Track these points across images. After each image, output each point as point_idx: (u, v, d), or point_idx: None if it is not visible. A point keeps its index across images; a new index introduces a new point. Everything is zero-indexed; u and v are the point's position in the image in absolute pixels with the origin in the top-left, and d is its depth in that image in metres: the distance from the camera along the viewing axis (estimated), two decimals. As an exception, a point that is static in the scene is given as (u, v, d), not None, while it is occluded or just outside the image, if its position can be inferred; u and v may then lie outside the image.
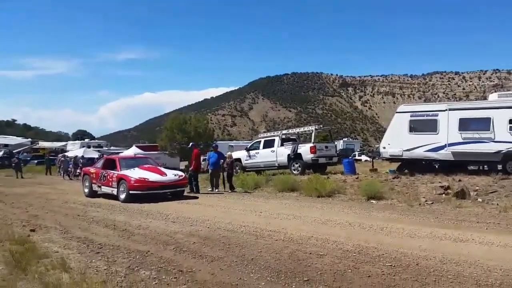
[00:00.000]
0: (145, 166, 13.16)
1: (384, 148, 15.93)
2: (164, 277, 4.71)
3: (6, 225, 8.23)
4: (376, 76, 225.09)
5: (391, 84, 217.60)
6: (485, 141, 13.49)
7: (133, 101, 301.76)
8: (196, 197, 12.78)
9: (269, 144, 18.35)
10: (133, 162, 13.67)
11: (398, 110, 16.36)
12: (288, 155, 17.14)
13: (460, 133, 13.99)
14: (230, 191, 14.25)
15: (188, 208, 10.47)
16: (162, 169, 13.31)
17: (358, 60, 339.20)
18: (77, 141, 50.41)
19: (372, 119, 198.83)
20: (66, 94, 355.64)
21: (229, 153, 16.53)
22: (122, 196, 11.99)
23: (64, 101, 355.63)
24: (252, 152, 18.65)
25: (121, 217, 9.18)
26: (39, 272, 4.77)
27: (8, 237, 6.66)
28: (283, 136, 18.68)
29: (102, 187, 13.15)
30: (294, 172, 16.71)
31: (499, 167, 13.48)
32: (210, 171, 14.74)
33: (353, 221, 7.86)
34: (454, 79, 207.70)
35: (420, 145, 14.82)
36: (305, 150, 16.80)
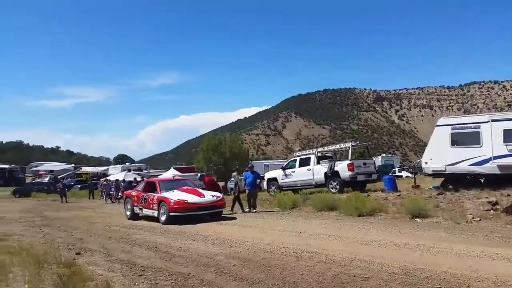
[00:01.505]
0: (183, 188, 13.35)
1: (426, 163, 15.40)
2: (206, 300, 4.70)
3: (53, 248, 8.54)
4: (412, 89, 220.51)
5: (428, 96, 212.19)
6: (534, 153, 12.78)
7: (170, 125, 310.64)
8: (234, 218, 12.79)
9: (305, 162, 18.19)
10: (172, 184, 13.89)
11: (438, 123, 15.83)
12: (325, 173, 16.90)
13: (506, 145, 13.32)
14: (242, 211, 14.41)
15: (227, 229, 10.48)
16: (200, 190, 13.45)
17: (391, 74, 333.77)
18: (118, 165, 52.24)
19: (411, 133, 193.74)
20: (104, 120, 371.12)
21: (234, 173, 16.66)
22: (163, 218, 12.24)
23: (103, 127, 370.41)
24: (288, 171, 18.56)
25: (162, 239, 9.32)
26: (86, 295, 4.89)
27: (56, 261, 6.89)
28: (319, 154, 18.47)
29: (144, 209, 13.47)
30: (332, 190, 16.43)
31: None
32: (247, 191, 14.79)
33: (397, 241, 7.57)
34: (493, 89, 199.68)
35: (463, 159, 14.22)
36: (342, 167, 16.51)
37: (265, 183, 19.65)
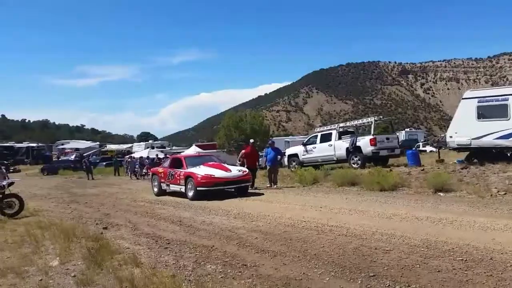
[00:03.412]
0: (209, 163, 13.46)
1: (451, 137, 15.04)
2: (229, 271, 4.85)
3: (81, 223, 8.90)
4: (438, 61, 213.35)
5: (455, 69, 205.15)
6: None
7: (190, 102, 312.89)
8: (257, 194, 12.95)
9: (326, 138, 18.06)
10: (198, 160, 14.04)
11: (464, 96, 15.35)
12: (347, 148, 16.76)
13: (535, 118, 12.85)
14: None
15: (249, 204, 10.64)
16: (227, 165, 13.54)
17: (417, 46, 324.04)
18: (141, 143, 53.25)
19: (436, 107, 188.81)
20: (128, 98, 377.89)
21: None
22: (190, 193, 12.33)
23: (127, 105, 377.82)
24: (309, 147, 18.49)
25: (186, 213, 9.56)
26: (113, 267, 5.10)
27: (84, 235, 7.19)
28: (341, 129, 18.28)
29: (171, 185, 13.59)
30: (353, 165, 16.33)
31: None
32: (268, 167, 14.88)
33: (420, 215, 7.53)
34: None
35: (489, 133, 13.80)
36: (364, 142, 16.34)
37: (286, 159, 19.68)
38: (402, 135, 40.61)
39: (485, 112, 14.15)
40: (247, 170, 13.43)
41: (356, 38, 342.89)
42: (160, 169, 14.71)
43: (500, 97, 13.97)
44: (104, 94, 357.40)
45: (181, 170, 13.12)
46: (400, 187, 11.75)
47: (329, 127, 19.92)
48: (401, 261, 4.80)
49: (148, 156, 30.48)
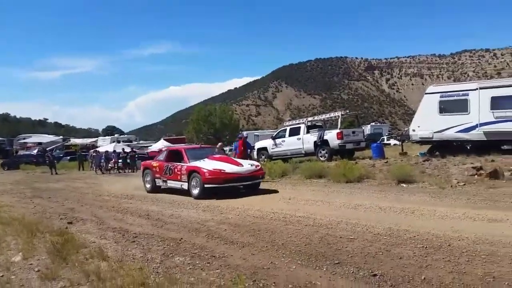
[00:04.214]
0: (215, 156, 11.91)
1: (414, 130, 15.59)
2: (198, 262, 4.86)
3: (45, 218, 8.62)
4: (403, 57, 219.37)
5: (419, 65, 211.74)
6: (520, 119, 12.98)
7: (159, 95, 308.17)
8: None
9: (295, 131, 18.29)
10: (201, 152, 12.34)
11: (427, 91, 15.92)
12: (315, 142, 17.06)
13: (492, 112, 13.49)
14: None
15: (217, 197, 10.59)
16: (237, 159, 12.43)
17: (383, 42, 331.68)
18: (107, 137, 51.92)
19: (400, 101, 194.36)
20: (94, 91, 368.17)
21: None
22: (195, 191, 10.66)
23: (93, 98, 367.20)
24: (278, 141, 18.66)
25: (153, 207, 9.44)
26: (79, 261, 5.00)
27: (48, 229, 6.97)
28: (309, 123, 18.56)
29: (168, 181, 11.94)
30: (321, 158, 16.64)
31: (536, 146, 12.96)
32: None
33: (383, 205, 7.79)
34: (484, 57, 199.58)
35: (450, 126, 14.42)
36: (331, 136, 16.66)
37: (255, 153, 19.78)
38: (367, 129, 41.65)
39: (446, 107, 14.74)
40: (259, 164, 12.25)
41: (325, 35, 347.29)
42: (154, 163, 13.01)
43: (461, 92, 14.60)
44: (68, 87, 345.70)
45: (182, 164, 11.41)
46: (365, 179, 12.09)
47: (297, 121, 20.15)
48: (365, 249, 4.96)
49: (114, 150, 29.76)
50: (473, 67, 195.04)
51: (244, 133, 24.67)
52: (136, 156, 27.92)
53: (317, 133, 17.21)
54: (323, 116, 20.06)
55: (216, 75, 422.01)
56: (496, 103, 13.49)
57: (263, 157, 19.09)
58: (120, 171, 27.13)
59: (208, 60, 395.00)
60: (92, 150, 33.07)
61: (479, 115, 13.74)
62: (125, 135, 60.42)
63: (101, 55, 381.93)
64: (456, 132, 14.34)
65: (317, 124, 19.09)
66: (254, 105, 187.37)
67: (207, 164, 10.82)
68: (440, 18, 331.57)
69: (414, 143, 17.22)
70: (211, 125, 31.15)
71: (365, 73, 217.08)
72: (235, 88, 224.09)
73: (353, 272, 4.23)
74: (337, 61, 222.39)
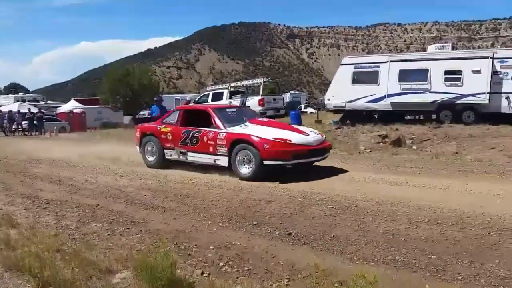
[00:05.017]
0: (261, 120, 9.05)
1: (329, 100, 16.45)
2: (116, 228, 4.79)
3: None
4: (323, 27, 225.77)
5: (337, 36, 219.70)
6: (422, 91, 14.31)
7: (70, 51, 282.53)
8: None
9: (217, 97, 18.29)
10: (237, 114, 8.99)
11: (342, 62, 16.78)
12: (237, 107, 17.22)
13: (399, 84, 14.70)
14: None
15: (137, 164, 10.21)
16: (295, 125, 9.62)
17: (306, 10, 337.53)
18: (10, 95, 46.98)
19: (318, 71, 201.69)
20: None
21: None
22: (244, 169, 7.59)
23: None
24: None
25: (65, 172, 8.89)
26: (-16, 230, 4.64)
27: None
28: (232, 89, 18.64)
29: (190, 154, 8.62)
30: (242, 124, 16.86)
31: (434, 116, 14.47)
32: None
33: (298, 170, 8.23)
34: (396, 31, 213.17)
35: (361, 97, 15.45)
36: (253, 102, 17.00)
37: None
38: (287, 97, 42.87)
39: (359, 78, 15.71)
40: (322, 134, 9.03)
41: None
42: (162, 127, 9.22)
43: (373, 64, 15.61)
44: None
45: (217, 130, 8.17)
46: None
47: (220, 87, 20.12)
48: (281, 210, 5.29)
49: (18, 111, 27.09)
50: (386, 41, 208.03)
51: (162, 96, 23.75)
52: (44, 117, 25.79)
53: (240, 99, 17.38)
54: (246, 82, 20.31)
55: (135, 32, 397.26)
56: (403, 75, 14.68)
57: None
58: (26, 133, 24.93)
59: (126, 15, 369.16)
60: (-9, 110, 29.74)
61: (388, 87, 14.88)
62: (31, 94, 55.19)
63: (6, 1, 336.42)
64: (366, 102, 15.42)
65: (239, 90, 19.24)
66: (175, 67, 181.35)
67: (261, 131, 7.77)
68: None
69: (329, 112, 18.21)
70: (129, 86, 29.56)
71: (287, 40, 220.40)
72: (155, 48, 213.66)
73: (270, 231, 4.51)
74: (260, 26, 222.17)
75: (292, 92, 57.96)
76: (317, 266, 3.29)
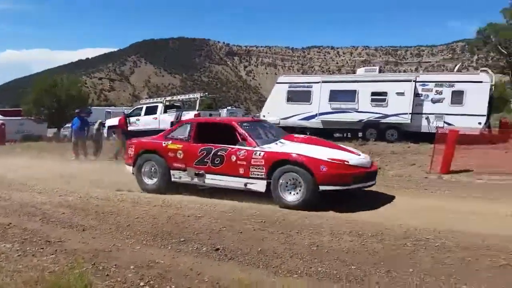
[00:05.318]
0: (299, 137, 7.85)
1: (264, 116, 16.79)
2: (28, 248, 4.39)
3: None
4: (261, 47, 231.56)
5: (274, 55, 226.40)
6: (350, 111, 15.18)
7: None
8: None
9: (151, 110, 17.87)
10: (263, 129, 7.84)
11: (278, 81, 17.37)
12: (171, 122, 16.88)
13: (330, 104, 15.46)
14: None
15: (55, 179, 9.28)
16: (341, 145, 7.91)
17: (244, 31, 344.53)
18: None
19: (255, 89, 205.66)
20: None
21: (99, 120, 15.37)
22: (292, 196, 6.37)
23: None
24: (132, 119, 17.89)
25: (-26, 189, 8.05)
26: None
27: None
28: (167, 103, 18.32)
29: (211, 176, 7.18)
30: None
31: (360, 134, 15.34)
32: (73, 139, 13.55)
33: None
34: (329, 54, 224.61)
35: (295, 114, 16.02)
36: (189, 117, 16.75)
37: (105, 131, 18.58)
38: (224, 112, 43.00)
39: (293, 96, 16.29)
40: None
41: (189, 14, 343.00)
42: (169, 143, 7.65)
43: (306, 84, 16.34)
44: None
45: (247, 148, 6.81)
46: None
47: (155, 100, 19.70)
48: (211, 225, 5.20)
49: None
50: (320, 62, 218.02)
51: (91, 108, 22.02)
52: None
53: (175, 113, 17.11)
54: (182, 97, 20.09)
55: (66, 42, 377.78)
56: (334, 96, 15.50)
57: (114, 135, 18.08)
58: None
59: (57, 24, 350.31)
60: None
61: (319, 106, 15.58)
62: None
63: None
64: (299, 119, 15.99)
65: (175, 104, 18.96)
66: (108, 78, 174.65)
67: (308, 151, 6.53)
68: (295, 14, 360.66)
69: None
70: (55, 97, 27.80)
71: (226, 58, 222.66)
72: (88, 59, 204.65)
73: (197, 248, 4.40)
74: (200, 42, 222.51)
75: (229, 107, 58.28)
76: (241, 281, 3.25)
